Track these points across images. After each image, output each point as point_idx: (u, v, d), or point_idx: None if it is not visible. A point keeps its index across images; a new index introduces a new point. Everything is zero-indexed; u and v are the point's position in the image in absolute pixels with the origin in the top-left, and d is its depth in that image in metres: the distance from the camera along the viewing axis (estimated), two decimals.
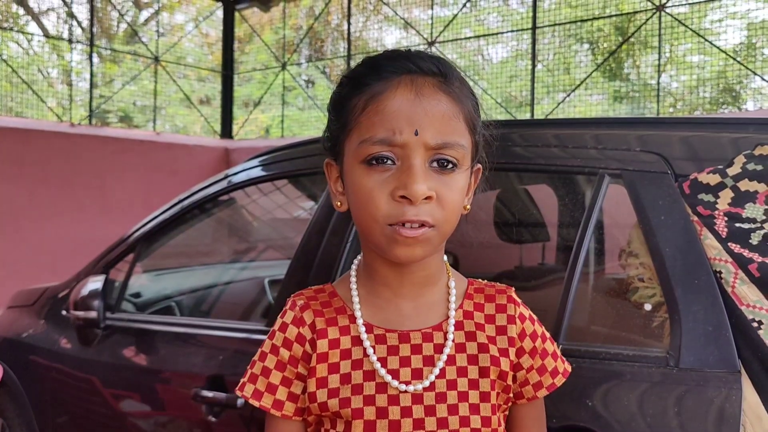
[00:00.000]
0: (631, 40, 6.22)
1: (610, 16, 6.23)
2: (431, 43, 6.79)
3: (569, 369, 1.02)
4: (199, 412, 1.73)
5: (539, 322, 1.01)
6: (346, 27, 7.75)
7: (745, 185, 1.21)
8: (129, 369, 1.99)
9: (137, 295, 2.45)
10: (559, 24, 6.34)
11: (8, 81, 6.65)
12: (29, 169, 6.02)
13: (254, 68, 8.56)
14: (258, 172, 2.01)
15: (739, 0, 5.54)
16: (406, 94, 0.86)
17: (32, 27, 8.22)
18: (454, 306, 0.95)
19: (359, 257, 0.99)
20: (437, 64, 0.88)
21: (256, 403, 0.94)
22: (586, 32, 6.52)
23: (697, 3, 5.59)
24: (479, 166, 0.97)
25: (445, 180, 0.86)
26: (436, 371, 0.90)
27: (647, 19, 5.80)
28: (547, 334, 1.01)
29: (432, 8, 6.98)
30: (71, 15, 7.33)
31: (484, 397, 0.91)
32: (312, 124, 7.99)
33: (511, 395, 0.97)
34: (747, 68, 5.49)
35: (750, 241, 1.18)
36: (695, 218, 1.24)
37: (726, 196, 1.22)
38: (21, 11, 7.96)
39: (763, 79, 5.44)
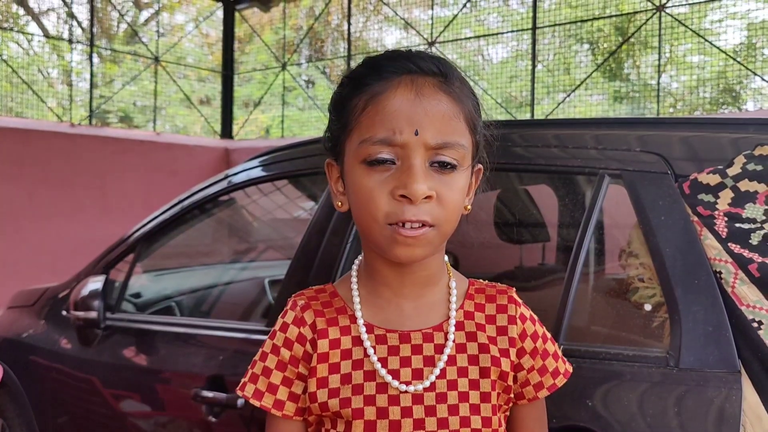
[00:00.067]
0: (631, 40, 6.23)
1: (610, 17, 6.23)
2: (431, 44, 6.79)
3: (570, 370, 1.02)
4: (199, 413, 1.73)
5: (540, 323, 1.01)
6: (346, 27, 7.75)
7: (745, 185, 1.21)
8: (129, 369, 1.99)
9: (137, 295, 2.45)
10: (559, 24, 6.34)
11: (8, 81, 6.65)
12: (29, 170, 6.02)
13: (254, 68, 8.56)
14: (258, 173, 2.01)
15: (739, 0, 5.54)
16: (406, 94, 0.86)
17: (32, 27, 8.23)
18: (455, 306, 0.95)
19: (360, 257, 0.99)
20: (437, 64, 0.88)
21: (256, 403, 0.94)
22: (586, 32, 6.52)
23: (697, 3, 5.59)
24: (480, 166, 0.97)
25: (445, 180, 0.86)
26: (437, 371, 0.90)
27: (647, 20, 5.80)
28: (548, 335, 1.01)
29: (432, 8, 6.98)
30: (71, 15, 7.34)
31: (485, 397, 0.91)
32: (312, 124, 7.99)
33: (512, 396, 0.97)
34: (747, 68, 5.49)
35: (750, 241, 1.18)
36: (695, 218, 1.24)
37: (726, 196, 1.22)
38: (21, 11, 7.96)
39: (763, 80, 5.45)
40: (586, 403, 1.20)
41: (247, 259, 3.50)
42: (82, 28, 7.43)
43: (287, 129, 8.15)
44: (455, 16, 6.76)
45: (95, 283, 2.10)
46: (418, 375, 0.90)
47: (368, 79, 0.88)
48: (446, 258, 0.99)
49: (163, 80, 7.81)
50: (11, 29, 7.49)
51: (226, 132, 8.30)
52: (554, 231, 2.02)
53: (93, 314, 2.05)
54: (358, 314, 0.94)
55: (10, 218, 5.86)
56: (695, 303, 1.19)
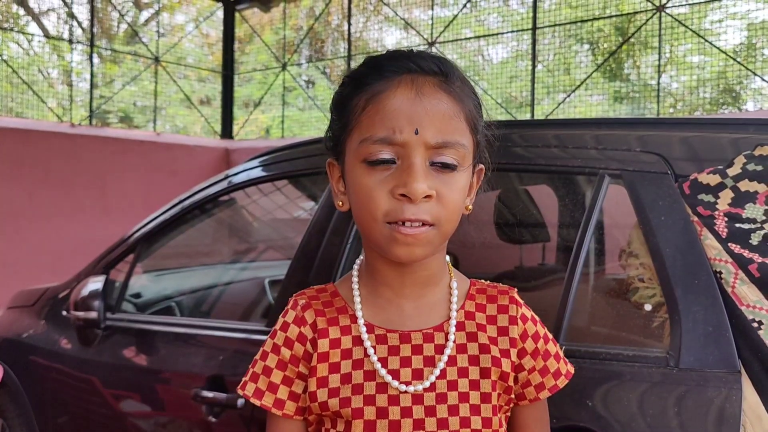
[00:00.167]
0: (632, 40, 6.23)
1: (611, 17, 6.24)
2: (431, 44, 6.79)
3: (572, 371, 1.02)
4: (199, 413, 1.73)
5: (542, 324, 1.01)
6: (346, 27, 7.75)
7: (745, 185, 1.21)
8: (129, 369, 1.99)
9: (137, 295, 2.45)
10: (560, 24, 6.34)
11: (8, 81, 6.65)
12: (29, 170, 6.02)
13: (254, 68, 8.56)
14: (258, 173, 2.01)
15: (739, 0, 5.54)
16: (406, 93, 0.86)
17: (32, 27, 8.23)
18: (456, 306, 0.95)
19: (361, 257, 0.99)
20: (438, 64, 0.88)
21: (257, 402, 0.94)
22: (587, 33, 6.52)
23: (697, 3, 5.59)
24: (482, 166, 0.97)
25: (445, 179, 0.86)
26: (437, 372, 0.90)
27: (647, 20, 5.80)
28: (550, 336, 1.01)
29: (432, 9, 6.98)
30: (71, 15, 7.34)
31: (485, 398, 0.91)
32: (312, 124, 7.99)
33: (513, 396, 0.97)
34: (747, 69, 5.49)
35: (750, 241, 1.18)
36: (695, 218, 1.24)
37: (726, 196, 1.22)
38: (21, 11, 7.96)
39: (763, 80, 5.45)
40: (586, 403, 1.20)
41: (247, 259, 3.50)
42: (83, 29, 7.43)
43: (287, 129, 8.15)
44: (455, 17, 6.76)
45: (95, 284, 2.10)
46: (418, 375, 0.90)
47: (369, 79, 0.88)
48: (447, 258, 0.99)
49: (163, 80, 7.82)
50: (11, 29, 7.50)
51: (227, 132, 8.30)
52: (554, 231, 2.02)
53: (93, 314, 2.05)
54: (359, 314, 0.94)
55: (10, 218, 5.86)
56: (695, 303, 1.19)
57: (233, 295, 2.88)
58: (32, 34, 7.86)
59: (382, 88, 0.87)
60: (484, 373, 0.92)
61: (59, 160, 6.21)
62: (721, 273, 1.19)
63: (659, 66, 5.94)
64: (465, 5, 6.76)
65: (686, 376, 1.16)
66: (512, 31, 6.61)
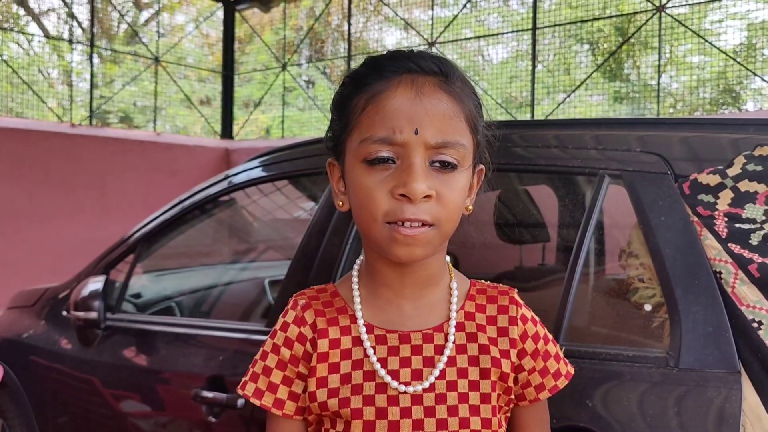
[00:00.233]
0: (632, 40, 6.23)
1: (611, 17, 6.23)
2: (431, 44, 6.79)
3: (572, 371, 1.02)
4: (199, 413, 1.73)
5: (542, 324, 1.01)
6: (346, 28, 7.75)
7: (744, 186, 1.21)
8: (129, 369, 1.99)
9: (137, 295, 2.45)
10: (560, 25, 6.34)
11: (9, 81, 6.65)
12: (29, 170, 6.02)
13: (254, 69, 8.56)
14: (258, 173, 2.01)
15: (739, 1, 5.54)
16: (406, 93, 0.86)
17: (32, 27, 8.23)
18: (456, 307, 0.95)
19: (361, 257, 0.99)
20: (438, 64, 0.88)
21: (257, 402, 0.94)
22: (587, 33, 6.52)
23: (697, 4, 5.59)
24: (482, 166, 0.97)
25: (445, 179, 0.86)
26: (436, 372, 0.90)
27: (647, 20, 5.80)
28: (550, 336, 1.01)
29: (432, 9, 6.98)
30: (71, 15, 7.34)
31: (485, 398, 0.91)
32: (312, 124, 7.99)
33: (513, 397, 0.97)
34: (747, 69, 5.49)
35: (750, 241, 1.18)
36: (695, 219, 1.24)
37: (726, 196, 1.22)
38: (21, 12, 7.96)
39: (763, 80, 5.45)
40: (586, 404, 1.20)
41: (247, 259, 3.50)
42: (83, 29, 7.43)
43: (287, 129, 8.15)
44: (455, 17, 6.76)
45: (95, 284, 2.10)
46: (417, 375, 0.90)
47: (369, 79, 0.88)
48: (447, 258, 0.99)
49: (163, 80, 7.82)
50: (11, 29, 7.50)
51: (227, 132, 8.30)
52: (554, 231, 2.02)
53: (93, 314, 2.05)
54: (359, 314, 0.94)
55: (11, 218, 5.86)
56: (695, 303, 1.19)
57: (233, 295, 2.88)
58: (32, 34, 7.87)
59: (382, 88, 0.87)
60: (484, 374, 0.92)
61: (59, 160, 6.21)
62: (721, 273, 1.19)
63: (659, 66, 5.94)
64: (465, 5, 6.76)
65: (686, 376, 1.16)
66: (512, 32, 6.61)
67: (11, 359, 2.37)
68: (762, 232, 1.18)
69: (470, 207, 0.95)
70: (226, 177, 2.08)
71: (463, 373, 0.91)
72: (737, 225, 1.20)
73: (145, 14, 8.89)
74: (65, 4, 7.25)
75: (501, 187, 1.89)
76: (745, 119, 1.35)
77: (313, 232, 1.70)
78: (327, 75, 8.72)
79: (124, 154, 6.68)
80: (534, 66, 6.21)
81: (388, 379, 0.90)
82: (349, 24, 7.66)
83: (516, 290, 1.00)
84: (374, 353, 0.91)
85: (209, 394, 1.69)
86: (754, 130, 1.28)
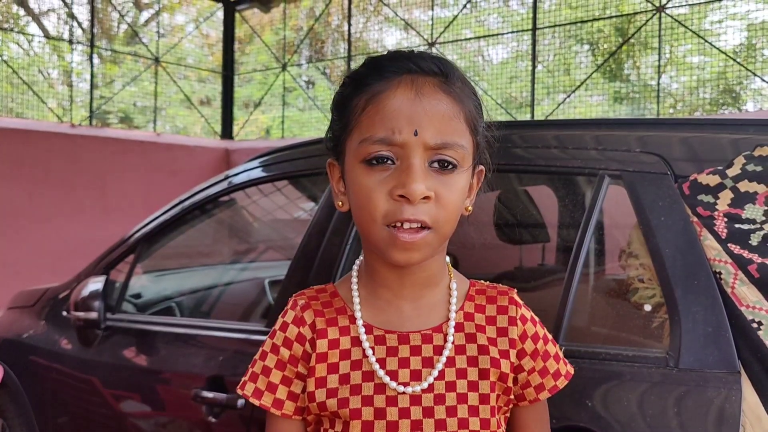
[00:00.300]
0: (632, 41, 6.23)
1: (611, 17, 6.23)
2: (431, 44, 6.79)
3: (572, 371, 1.02)
4: (199, 413, 1.73)
5: (541, 324, 1.01)
6: (346, 28, 7.75)
7: (744, 186, 1.21)
8: (129, 369, 1.99)
9: (138, 295, 2.45)
10: (560, 25, 6.35)
11: (9, 82, 6.65)
12: (30, 170, 6.02)
13: (254, 69, 8.56)
14: (258, 173, 2.01)
15: (739, 1, 5.54)
16: (406, 94, 0.86)
17: (33, 28, 8.23)
18: (455, 308, 0.95)
19: (361, 258, 0.99)
20: (438, 64, 0.88)
21: (256, 402, 0.94)
22: (587, 33, 6.52)
23: (697, 4, 5.59)
24: (482, 167, 0.97)
25: (444, 180, 0.86)
26: (435, 373, 0.90)
27: (647, 20, 5.80)
28: (549, 336, 1.01)
29: (432, 9, 6.98)
30: (71, 16, 7.34)
31: (484, 398, 0.91)
32: (312, 125, 7.99)
33: (512, 397, 0.97)
34: (747, 69, 5.49)
35: (750, 242, 1.18)
36: (695, 219, 1.24)
37: (726, 197, 1.22)
38: (21, 12, 7.97)
39: (763, 80, 5.45)
40: (586, 404, 1.20)
41: (247, 259, 3.50)
42: (83, 29, 7.44)
43: (287, 130, 8.15)
44: (455, 17, 6.76)
45: (96, 284, 2.10)
46: (416, 376, 0.90)
47: (369, 79, 0.88)
48: (447, 259, 0.99)
49: (163, 81, 7.82)
50: (11, 30, 7.50)
51: (227, 132, 8.31)
52: (554, 232, 2.02)
53: (93, 315, 2.05)
54: (358, 315, 0.94)
55: (11, 219, 5.86)
56: (695, 303, 1.19)
57: (233, 295, 2.88)
58: (32, 35, 7.87)
59: (382, 88, 0.87)
60: (483, 374, 0.92)
61: (59, 161, 6.22)
62: (720, 273, 1.19)
63: (659, 66, 5.94)
64: (465, 6, 6.76)
65: (686, 376, 1.16)
66: (512, 32, 6.61)
67: (11, 359, 2.37)
68: (762, 233, 1.18)
69: (470, 208, 0.95)
70: (226, 177, 2.09)
71: (462, 373, 0.91)
72: (737, 225, 1.20)
73: (145, 14, 8.89)
74: (65, 4, 7.25)
75: (501, 188, 1.90)
76: (745, 119, 1.35)
77: (313, 233, 1.70)
78: (327, 75, 8.72)
79: (124, 154, 6.68)
80: (534, 66, 6.21)
81: (386, 379, 0.90)
82: (349, 24, 7.66)
83: (515, 290, 1.00)
84: (373, 354, 0.91)
85: (209, 395, 1.69)
86: (754, 130, 1.28)
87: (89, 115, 7.05)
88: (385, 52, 0.93)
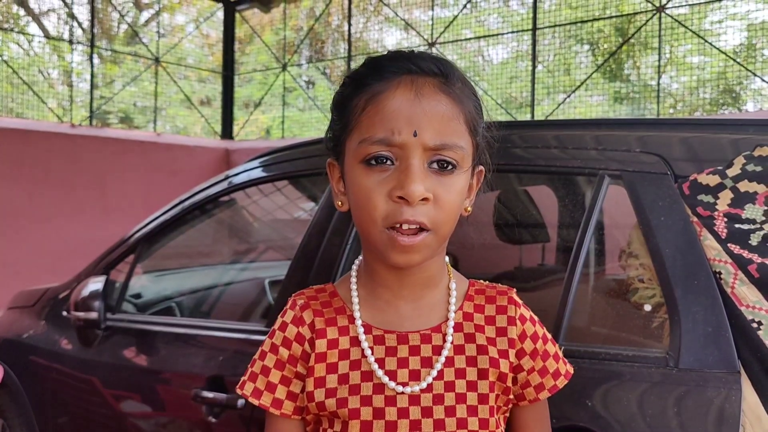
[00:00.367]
0: (632, 41, 6.23)
1: (611, 17, 6.23)
2: (432, 44, 6.79)
3: (571, 371, 1.02)
4: (199, 413, 1.73)
5: (540, 324, 1.01)
6: (346, 28, 7.75)
7: (744, 186, 1.21)
8: (129, 370, 1.99)
9: (138, 295, 2.45)
10: (560, 25, 6.35)
11: (9, 82, 6.66)
12: (30, 170, 6.02)
13: (255, 69, 8.56)
14: (258, 173, 2.01)
15: (739, 1, 5.54)
16: (405, 94, 0.86)
17: (33, 28, 8.23)
18: (454, 308, 0.95)
19: (360, 258, 0.99)
20: (438, 65, 0.88)
21: (255, 402, 0.95)
22: (587, 33, 6.52)
23: (697, 4, 5.59)
24: (481, 167, 0.97)
25: (443, 181, 0.86)
26: (434, 373, 0.90)
27: (647, 20, 5.80)
28: (549, 336, 1.01)
29: (432, 9, 6.98)
30: (72, 16, 7.34)
31: (483, 398, 0.91)
32: (312, 125, 7.99)
33: (512, 397, 0.97)
34: (747, 69, 5.49)
35: (749, 242, 1.18)
36: (695, 219, 1.24)
37: (725, 197, 1.22)
38: (21, 12, 7.97)
39: (763, 80, 5.45)
40: (586, 404, 1.20)
41: (247, 259, 3.50)
42: (83, 29, 7.44)
43: (287, 130, 8.15)
44: (455, 17, 6.76)
45: (96, 284, 2.10)
46: (415, 376, 0.90)
47: (369, 79, 0.88)
48: (446, 259, 0.99)
49: (163, 81, 7.82)
50: (12, 30, 7.50)
51: (227, 133, 8.31)
52: (554, 232, 2.02)
53: (93, 315, 2.05)
54: (357, 315, 0.94)
55: (11, 219, 5.86)
56: (695, 303, 1.19)
57: (233, 295, 2.88)
58: (32, 35, 7.87)
59: (382, 88, 0.87)
60: (482, 374, 0.92)
61: (59, 161, 6.22)
62: (720, 273, 1.19)
63: (659, 66, 5.94)
64: (465, 6, 6.76)
65: (686, 376, 1.16)
66: (512, 32, 6.61)
67: (11, 359, 2.37)
68: (761, 233, 1.18)
69: (469, 208, 0.95)
70: (227, 177, 2.09)
71: (461, 373, 0.91)
72: (737, 225, 1.20)
73: (146, 14, 8.89)
74: (65, 4, 7.25)
75: (501, 188, 1.90)
76: (745, 119, 1.35)
77: (313, 233, 1.70)
78: (327, 75, 8.72)
79: (124, 154, 6.69)
80: (534, 66, 6.21)
81: (385, 379, 0.90)
82: (350, 24, 7.66)
83: (515, 290, 1.00)
84: (372, 353, 0.91)
85: (209, 395, 1.69)
86: (753, 130, 1.28)
87: (89, 115, 7.05)
88: (385, 52, 0.93)
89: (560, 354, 1.01)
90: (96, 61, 7.44)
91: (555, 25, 6.33)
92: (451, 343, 0.92)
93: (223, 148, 7.72)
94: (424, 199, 0.84)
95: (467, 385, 0.91)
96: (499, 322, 0.96)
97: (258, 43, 8.43)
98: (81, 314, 2.07)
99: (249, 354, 1.00)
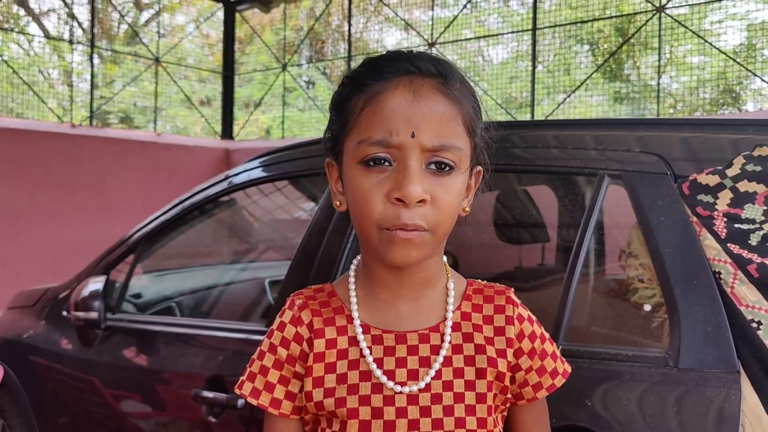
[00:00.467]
0: (632, 41, 6.23)
1: (611, 17, 6.23)
2: (432, 44, 6.79)
3: (569, 370, 1.02)
4: (199, 413, 1.74)
5: (538, 323, 1.01)
6: (346, 28, 7.75)
7: (744, 186, 1.21)
8: (129, 369, 1.99)
9: (138, 295, 2.45)
10: (560, 25, 6.35)
11: (9, 82, 6.66)
12: (30, 170, 6.03)
13: (255, 69, 8.56)
14: (258, 173, 2.01)
15: (739, 1, 5.54)
16: (404, 95, 0.86)
17: (33, 28, 8.23)
18: (452, 307, 0.95)
19: (358, 257, 0.99)
20: (437, 66, 0.88)
21: (254, 402, 0.95)
22: (587, 33, 6.52)
23: (697, 4, 5.59)
24: (479, 168, 0.97)
25: (441, 182, 0.86)
26: (432, 372, 0.90)
27: (647, 20, 5.80)
28: (547, 335, 1.01)
29: (432, 9, 6.98)
30: (72, 16, 7.34)
31: (480, 398, 0.91)
32: (312, 125, 7.99)
33: (510, 396, 0.97)
34: (747, 69, 5.49)
35: (749, 241, 1.19)
36: (694, 219, 1.24)
37: (725, 196, 1.22)
38: (22, 12, 7.97)
39: (763, 80, 5.45)
40: (586, 403, 1.20)
41: (247, 259, 3.50)
42: (83, 29, 7.44)
43: (288, 130, 8.15)
44: (455, 17, 6.76)
45: (96, 284, 2.10)
46: (413, 376, 0.91)
47: (368, 80, 0.88)
48: (445, 259, 0.99)
49: (163, 81, 7.82)
50: (12, 30, 7.50)
51: (227, 133, 8.31)
52: (554, 231, 2.02)
53: (93, 315, 2.05)
54: (355, 314, 0.94)
55: (11, 219, 5.86)
56: (695, 303, 1.19)
57: (233, 295, 2.88)
58: (32, 35, 7.87)
59: (381, 89, 0.87)
60: (480, 374, 0.92)
61: (59, 161, 6.22)
62: (720, 273, 1.19)
63: (659, 66, 5.94)
64: (465, 6, 6.76)
65: (685, 376, 1.16)
66: (512, 32, 6.61)
67: (11, 359, 2.37)
68: (761, 233, 1.18)
69: (467, 208, 0.95)
70: (226, 177, 2.09)
71: (459, 373, 0.92)
72: (736, 225, 1.20)
73: (146, 15, 8.89)
74: (65, 4, 7.25)
75: (501, 188, 1.90)
76: (745, 119, 1.35)
77: (313, 233, 1.70)
78: (327, 75, 8.73)
79: (124, 154, 6.69)
80: (534, 66, 6.22)
81: (383, 379, 0.90)
82: (350, 24, 7.66)
83: (512, 289, 1.00)
84: (370, 353, 0.91)
85: (209, 394, 1.69)
86: (753, 130, 1.28)
87: (89, 115, 7.06)
88: (384, 53, 0.93)
89: (558, 353, 1.02)
90: (96, 61, 7.44)
91: (555, 25, 6.33)
92: (450, 342, 0.93)
93: (223, 148, 7.72)
94: (422, 201, 0.84)
95: (465, 384, 0.91)
96: (497, 321, 0.96)
97: (258, 43, 8.43)
98: (81, 314, 2.07)
99: (249, 354, 1.00)
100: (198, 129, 8.45)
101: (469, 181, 0.94)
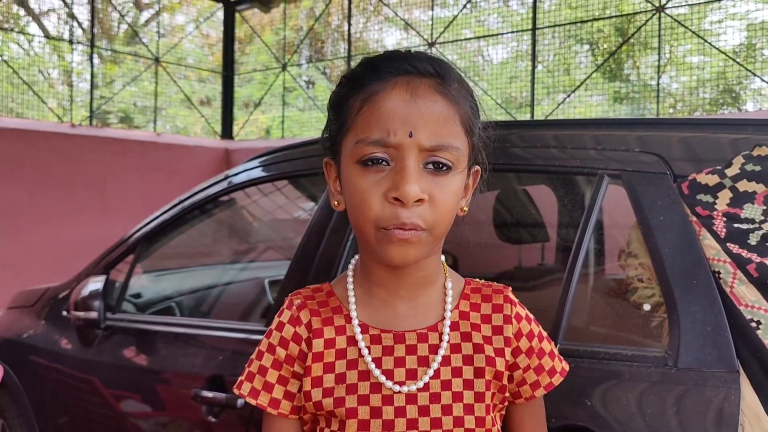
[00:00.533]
0: (631, 41, 6.23)
1: (610, 17, 6.23)
2: (431, 44, 6.80)
3: (567, 368, 1.02)
4: (198, 413, 1.74)
5: (536, 322, 1.01)
6: (346, 28, 7.75)
7: (743, 186, 1.21)
8: (129, 369, 1.99)
9: (138, 295, 2.46)
10: (559, 25, 6.35)
11: (9, 82, 6.66)
12: (30, 170, 6.03)
13: (255, 69, 8.56)
14: (258, 173, 2.01)
15: (738, 1, 5.54)
16: (401, 95, 0.86)
17: (33, 28, 8.23)
18: (450, 307, 0.95)
19: (356, 257, 0.99)
20: (434, 65, 0.88)
21: (252, 401, 0.95)
22: (586, 33, 6.52)
23: (697, 4, 5.59)
24: (477, 168, 0.97)
25: (439, 182, 0.86)
26: (431, 372, 0.91)
27: (647, 20, 5.80)
28: (544, 334, 1.01)
29: (432, 9, 6.98)
30: (72, 16, 7.34)
31: (479, 397, 0.91)
32: (312, 124, 7.99)
33: (508, 395, 0.97)
34: (747, 69, 5.49)
35: (748, 241, 1.19)
36: (694, 219, 1.24)
37: (725, 196, 1.22)
38: (22, 12, 7.97)
39: (762, 80, 5.45)
40: (585, 403, 1.21)
41: (247, 259, 3.50)
42: (83, 29, 7.44)
43: (287, 129, 8.15)
44: (455, 17, 6.76)
45: (96, 284, 2.10)
46: (412, 375, 0.91)
47: (366, 80, 0.88)
48: (443, 258, 0.99)
49: (163, 81, 7.82)
50: (12, 30, 7.50)
51: (227, 132, 8.31)
52: (553, 231, 2.02)
53: (93, 314, 2.06)
54: (353, 314, 0.94)
55: (11, 219, 5.86)
56: (694, 303, 1.19)
57: (233, 295, 2.88)
58: (32, 35, 7.87)
59: (378, 89, 0.87)
60: (478, 373, 0.92)
61: (59, 161, 6.22)
62: (719, 273, 1.19)
63: (659, 66, 5.94)
64: (465, 6, 6.76)
65: (685, 375, 1.16)
66: (512, 32, 6.61)
67: (11, 359, 2.37)
68: (760, 232, 1.18)
69: (465, 208, 0.95)
70: (226, 177, 2.09)
71: (457, 372, 0.92)
72: (736, 225, 1.20)
73: (146, 14, 8.89)
74: (65, 4, 7.25)
75: (500, 188, 1.90)
76: (745, 119, 1.35)
77: (312, 233, 1.70)
78: (327, 75, 8.73)
79: (124, 154, 6.69)
80: (534, 66, 6.22)
81: (382, 379, 0.90)
82: (349, 24, 7.66)
83: (510, 288, 1.01)
84: (369, 353, 0.91)
85: (209, 394, 1.69)
86: (753, 130, 1.28)
87: (89, 115, 7.06)
88: (382, 52, 0.93)
89: (556, 351, 1.02)
90: (96, 61, 7.44)
91: (555, 25, 6.33)
92: (448, 342, 0.93)
93: (223, 148, 7.72)
94: (420, 200, 0.84)
95: (464, 383, 0.91)
96: (495, 320, 0.96)
97: (258, 43, 8.43)
98: (81, 314, 2.07)
99: (248, 354, 1.00)
100: (198, 129, 8.45)
101: (467, 181, 0.94)
